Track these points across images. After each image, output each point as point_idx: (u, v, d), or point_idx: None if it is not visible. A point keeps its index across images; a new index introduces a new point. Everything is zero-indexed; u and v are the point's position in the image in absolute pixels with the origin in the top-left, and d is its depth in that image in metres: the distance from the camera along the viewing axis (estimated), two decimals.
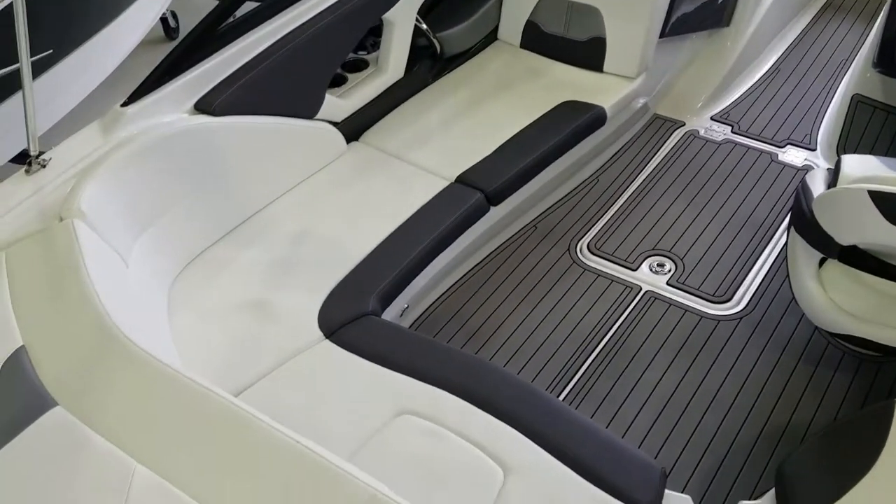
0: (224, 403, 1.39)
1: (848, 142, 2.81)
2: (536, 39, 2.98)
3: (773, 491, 1.75)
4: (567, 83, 2.84)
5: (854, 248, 1.88)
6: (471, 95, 2.81)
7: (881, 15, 2.74)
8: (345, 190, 2.43)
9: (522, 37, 3.01)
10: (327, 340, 1.95)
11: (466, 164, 2.51)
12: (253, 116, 2.26)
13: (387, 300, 2.14)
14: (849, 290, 1.97)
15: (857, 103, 2.79)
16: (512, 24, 3.03)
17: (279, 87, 2.31)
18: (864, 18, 3.58)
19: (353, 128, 2.63)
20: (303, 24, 2.33)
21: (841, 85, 3.12)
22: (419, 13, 2.70)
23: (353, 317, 2.02)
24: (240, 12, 2.34)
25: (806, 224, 1.97)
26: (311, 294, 2.08)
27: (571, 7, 2.88)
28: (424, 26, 2.76)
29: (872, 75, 2.72)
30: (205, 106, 2.18)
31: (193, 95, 2.20)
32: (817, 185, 2.03)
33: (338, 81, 2.64)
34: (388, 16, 2.55)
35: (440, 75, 2.90)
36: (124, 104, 2.09)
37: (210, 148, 2.16)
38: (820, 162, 2.85)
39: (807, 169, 2.83)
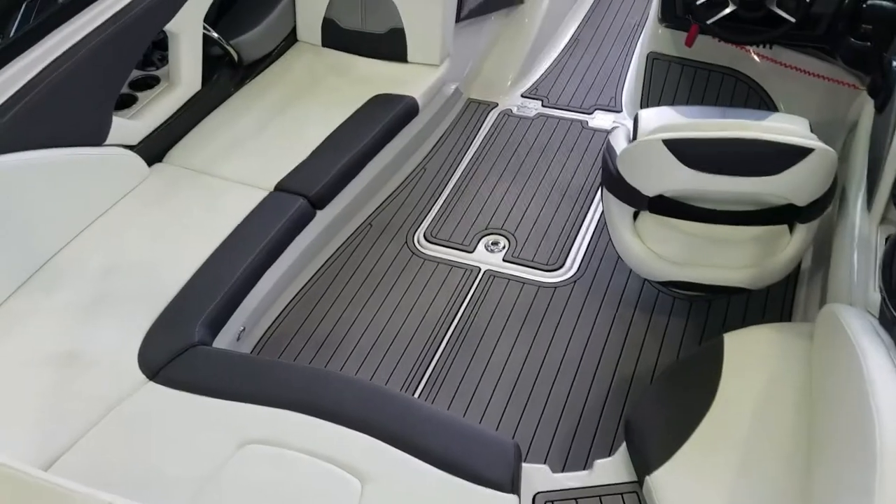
0: (26, 479, 1.21)
1: (649, 98, 2.96)
2: (336, 36, 2.92)
3: (625, 445, 1.79)
4: (374, 77, 2.79)
5: (661, 197, 1.96)
6: (277, 100, 2.70)
7: None
8: (153, 215, 2.25)
9: (322, 35, 2.93)
10: (151, 382, 1.79)
11: (284, 171, 2.40)
12: (29, 152, 2.03)
13: (216, 326, 1.99)
14: (663, 237, 2.06)
15: (653, 60, 2.94)
16: (309, 24, 2.94)
17: (56, 116, 2.09)
18: None
19: (154, 149, 2.44)
20: (74, 45, 2.13)
21: (637, 46, 3.29)
22: (207, 21, 2.54)
23: (178, 351, 1.86)
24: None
25: (614, 182, 2.03)
26: (128, 334, 1.90)
27: (364, 1, 2.83)
28: (215, 34, 2.61)
29: (663, 31, 2.88)
30: None
31: None
32: (619, 142, 2.10)
33: (127, 102, 2.44)
34: (170, 27, 2.38)
35: (242, 84, 2.76)
36: None
37: None
38: (627, 122, 2.98)
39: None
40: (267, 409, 1.70)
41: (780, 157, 1.77)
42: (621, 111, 3.05)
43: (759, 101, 2.84)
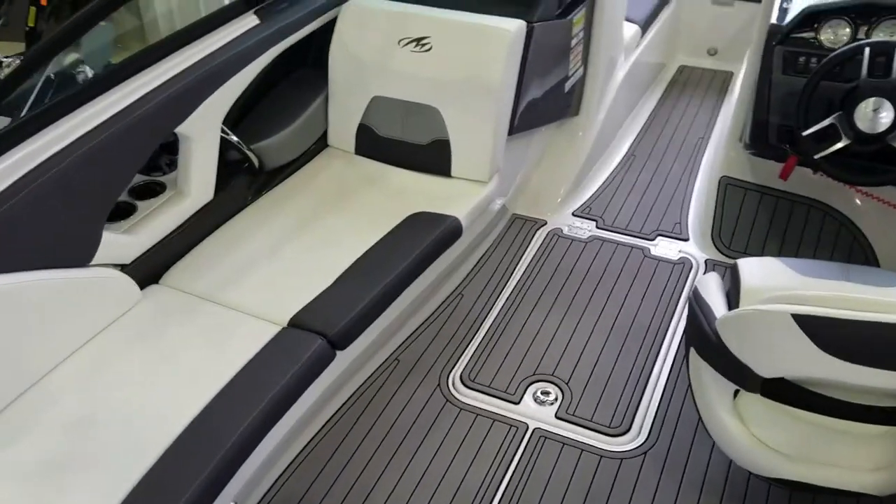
0: None
1: (723, 228, 2.60)
2: (372, 144, 2.59)
3: None
4: (412, 192, 2.45)
5: (780, 380, 1.55)
6: (301, 214, 2.35)
7: (737, 93, 2.59)
8: (140, 352, 1.87)
9: (356, 142, 2.61)
10: None
11: (301, 302, 2.02)
12: None
13: None
14: (773, 423, 1.63)
15: (727, 186, 2.59)
16: (342, 129, 2.63)
17: (33, 233, 1.74)
18: (712, 93, 3.51)
19: (150, 268, 2.08)
20: (66, 147, 1.79)
21: (703, 167, 2.95)
22: (226, 122, 2.22)
23: None
24: None
25: (712, 350, 1.62)
26: None
27: (407, 108, 2.51)
28: (234, 138, 2.28)
29: (738, 154, 2.54)
30: None
31: None
32: (713, 297, 1.71)
33: (123, 212, 2.09)
34: (182, 129, 2.05)
35: (261, 192, 2.42)
36: None
37: None
38: (695, 253, 2.62)
39: (683, 263, 2.57)
40: None
41: None
42: (688, 239, 2.68)
43: (852, 240, 2.47)
